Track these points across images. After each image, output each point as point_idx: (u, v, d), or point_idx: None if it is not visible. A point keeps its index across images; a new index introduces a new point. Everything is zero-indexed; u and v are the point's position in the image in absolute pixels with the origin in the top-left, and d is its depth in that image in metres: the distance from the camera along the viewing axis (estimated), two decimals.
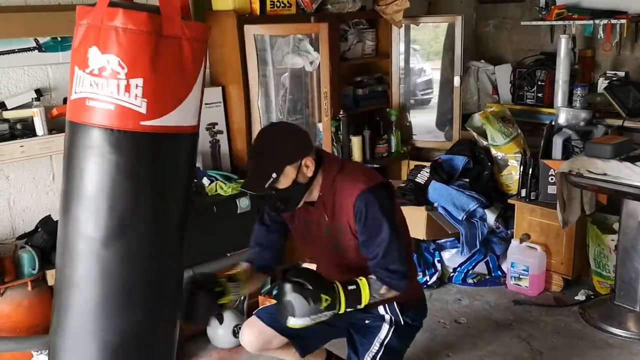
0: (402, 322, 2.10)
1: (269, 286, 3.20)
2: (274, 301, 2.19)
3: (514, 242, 3.44)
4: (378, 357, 2.09)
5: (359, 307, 1.84)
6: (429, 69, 7.11)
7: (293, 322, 1.74)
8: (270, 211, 2.06)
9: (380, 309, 2.09)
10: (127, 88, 1.27)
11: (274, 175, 1.83)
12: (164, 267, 1.46)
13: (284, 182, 1.86)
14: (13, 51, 2.65)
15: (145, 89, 1.28)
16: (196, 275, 1.91)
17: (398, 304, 2.08)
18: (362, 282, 1.84)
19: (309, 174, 1.90)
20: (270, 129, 2.02)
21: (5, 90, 2.70)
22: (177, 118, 1.32)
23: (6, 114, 2.65)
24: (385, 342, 2.09)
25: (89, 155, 1.32)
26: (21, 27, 2.62)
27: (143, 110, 1.29)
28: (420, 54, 6.52)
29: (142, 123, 1.30)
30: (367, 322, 2.12)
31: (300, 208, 1.99)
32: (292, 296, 1.72)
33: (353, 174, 1.95)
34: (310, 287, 1.74)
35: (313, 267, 2.17)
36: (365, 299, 1.83)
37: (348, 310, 1.82)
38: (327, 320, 1.82)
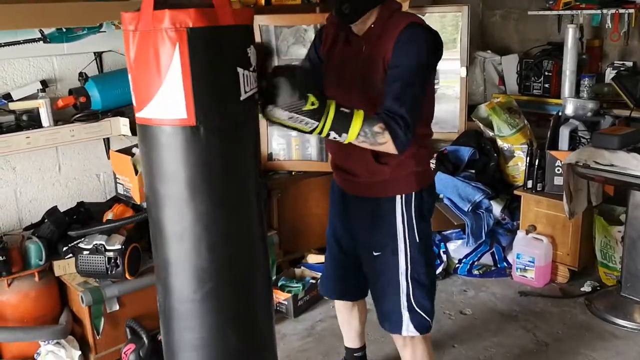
0: (415, 216, 1.93)
1: (274, 273, 3.21)
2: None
3: (520, 234, 3.43)
4: (412, 297, 1.95)
5: (344, 135, 1.62)
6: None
7: (273, 112, 1.53)
8: (335, 14, 1.88)
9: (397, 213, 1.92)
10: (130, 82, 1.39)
11: None
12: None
13: None
14: (18, 42, 2.66)
15: (133, 84, 1.38)
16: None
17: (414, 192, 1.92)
18: (358, 112, 1.63)
19: None
20: None
21: (11, 81, 2.71)
22: (151, 111, 1.36)
23: (12, 105, 2.66)
24: (409, 275, 1.95)
25: None
26: (26, 18, 2.61)
27: (134, 102, 1.38)
28: None
29: (137, 115, 1.39)
30: (378, 253, 1.98)
31: (343, 41, 1.91)
32: (283, 82, 1.51)
33: (411, 15, 1.87)
34: (303, 82, 1.54)
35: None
36: (355, 128, 1.61)
37: (331, 133, 1.60)
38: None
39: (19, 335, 2.55)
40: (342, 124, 1.60)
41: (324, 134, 1.61)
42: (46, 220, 2.68)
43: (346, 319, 2.43)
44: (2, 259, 2.51)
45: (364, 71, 1.84)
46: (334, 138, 1.63)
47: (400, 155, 1.74)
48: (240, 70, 1.39)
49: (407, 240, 1.94)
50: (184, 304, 1.46)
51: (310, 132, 1.60)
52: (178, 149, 1.36)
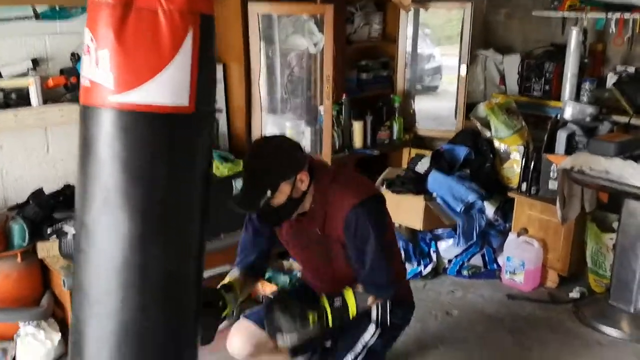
0: (389, 324, 2.08)
1: None
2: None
3: (512, 236, 3.40)
4: (359, 358, 2.08)
5: (347, 319, 1.88)
6: (439, 55, 6.96)
7: (286, 341, 1.77)
8: (259, 223, 2.04)
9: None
10: (97, 62, 1.24)
11: (269, 192, 1.78)
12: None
13: (279, 199, 1.82)
14: (10, 19, 2.60)
15: (112, 62, 1.23)
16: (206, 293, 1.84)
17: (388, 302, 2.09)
18: (348, 294, 1.88)
19: (303, 188, 1.87)
20: (264, 145, 1.94)
21: (1, 58, 2.66)
22: (148, 94, 1.24)
23: (2, 83, 2.61)
24: (368, 345, 2.08)
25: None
26: None
27: (110, 84, 1.24)
28: (431, 38, 6.36)
29: (110, 98, 1.25)
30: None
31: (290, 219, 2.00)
32: (282, 318, 1.75)
33: (346, 185, 1.93)
34: (296, 307, 1.78)
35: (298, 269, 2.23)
36: (352, 310, 1.87)
37: (337, 322, 1.86)
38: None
39: None
40: (340, 313, 1.85)
41: (330, 326, 1.85)
42: (31, 202, 2.64)
43: None
44: None
45: (325, 249, 1.99)
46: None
47: None
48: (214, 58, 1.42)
49: (380, 317, 2.08)
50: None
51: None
52: (165, 136, 1.30)
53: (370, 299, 1.93)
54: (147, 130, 1.27)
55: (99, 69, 1.24)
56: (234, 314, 2.92)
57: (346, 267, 1.97)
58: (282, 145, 1.91)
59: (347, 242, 1.91)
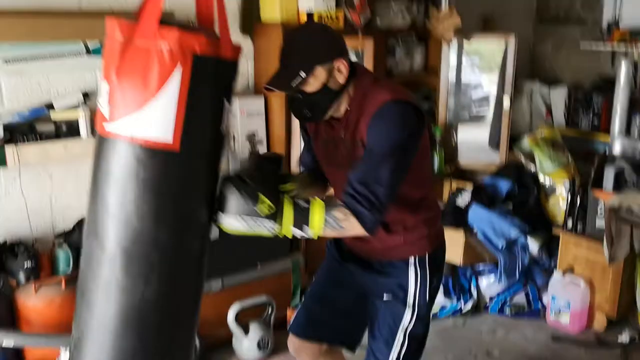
0: (425, 302, 1.86)
1: (298, 299, 3.18)
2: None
3: (557, 275, 3.29)
4: (403, 351, 1.86)
5: (309, 231, 1.54)
6: (487, 83, 6.79)
7: (223, 220, 1.47)
8: (296, 118, 1.81)
9: (410, 276, 1.85)
10: (101, 91, 1.34)
11: (303, 74, 1.60)
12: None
13: (313, 85, 1.64)
14: (63, 54, 2.73)
15: (110, 94, 1.31)
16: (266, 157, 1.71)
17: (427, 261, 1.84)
18: (318, 201, 1.56)
19: (341, 80, 1.68)
20: (303, 27, 1.84)
21: (54, 91, 2.78)
22: (133, 125, 1.29)
23: (53, 115, 2.73)
24: (408, 331, 1.85)
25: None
26: (72, 31, 2.69)
27: (106, 113, 1.32)
28: (479, 66, 6.26)
29: (105, 125, 1.32)
30: (386, 299, 1.89)
31: (325, 124, 1.81)
32: (231, 191, 1.46)
33: (387, 87, 1.73)
34: (251, 184, 1.48)
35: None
36: (316, 219, 1.53)
37: (295, 229, 1.53)
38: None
39: (42, 341, 2.60)
40: (302, 218, 1.52)
41: (287, 233, 1.53)
42: (77, 229, 2.73)
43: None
44: (32, 265, 2.58)
45: (348, 155, 1.76)
46: (301, 236, 1.55)
47: (374, 235, 1.64)
48: (225, 102, 1.40)
49: (417, 297, 1.85)
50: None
51: (273, 235, 1.53)
52: (149, 170, 1.32)
53: (337, 211, 1.56)
54: (133, 160, 1.31)
55: (101, 97, 1.33)
56: (271, 315, 2.87)
57: None
58: (321, 29, 1.79)
59: (366, 137, 1.65)
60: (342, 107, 1.73)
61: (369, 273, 1.92)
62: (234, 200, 1.45)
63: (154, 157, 1.31)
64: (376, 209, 1.58)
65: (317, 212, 1.53)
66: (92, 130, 2.78)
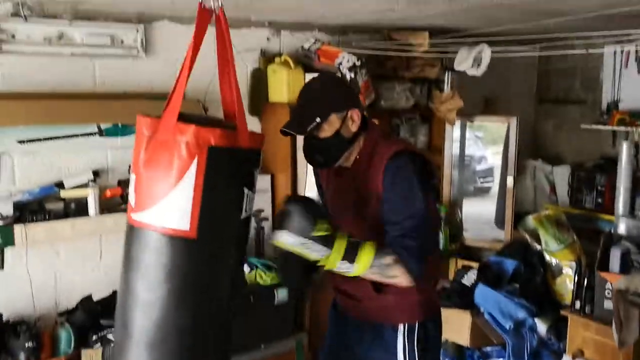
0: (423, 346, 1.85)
1: None
2: None
3: (566, 358, 3.20)
4: None
5: (353, 268, 1.59)
6: (491, 156, 6.89)
7: (282, 237, 1.55)
8: (309, 163, 1.88)
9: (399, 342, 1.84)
10: (130, 182, 1.43)
11: (318, 119, 1.70)
12: None
13: (327, 131, 1.73)
14: (76, 135, 2.80)
15: (136, 185, 1.39)
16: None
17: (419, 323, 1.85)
18: (369, 243, 1.62)
19: (354, 128, 1.77)
20: (320, 76, 1.94)
21: (65, 170, 2.84)
22: (155, 216, 1.36)
23: (63, 193, 2.78)
24: None
25: None
26: (86, 113, 2.78)
27: (133, 203, 1.40)
28: (483, 140, 6.36)
29: (132, 215, 1.41)
30: None
31: (334, 173, 1.88)
32: (295, 208, 1.55)
33: (394, 141, 1.84)
34: (313, 212, 1.57)
35: None
36: (365, 258, 1.59)
37: (340, 265, 1.58)
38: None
39: None
40: (352, 252, 1.58)
41: (334, 264, 1.58)
42: (79, 308, 2.72)
43: None
44: (33, 345, 2.55)
45: (356, 203, 1.82)
46: (345, 270, 1.60)
47: (415, 284, 1.69)
48: (246, 190, 1.44)
49: (407, 353, 1.82)
50: None
51: (318, 261, 1.58)
52: (169, 257, 1.37)
53: (389, 258, 1.62)
54: (154, 248, 1.38)
55: (130, 188, 1.42)
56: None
57: (380, 230, 1.75)
58: (339, 80, 1.92)
59: (384, 193, 1.71)
60: (352, 156, 1.82)
61: (361, 343, 1.92)
62: (296, 216, 1.53)
63: (173, 244, 1.37)
64: (420, 260, 1.67)
65: (367, 251, 1.60)
66: (101, 209, 2.82)
